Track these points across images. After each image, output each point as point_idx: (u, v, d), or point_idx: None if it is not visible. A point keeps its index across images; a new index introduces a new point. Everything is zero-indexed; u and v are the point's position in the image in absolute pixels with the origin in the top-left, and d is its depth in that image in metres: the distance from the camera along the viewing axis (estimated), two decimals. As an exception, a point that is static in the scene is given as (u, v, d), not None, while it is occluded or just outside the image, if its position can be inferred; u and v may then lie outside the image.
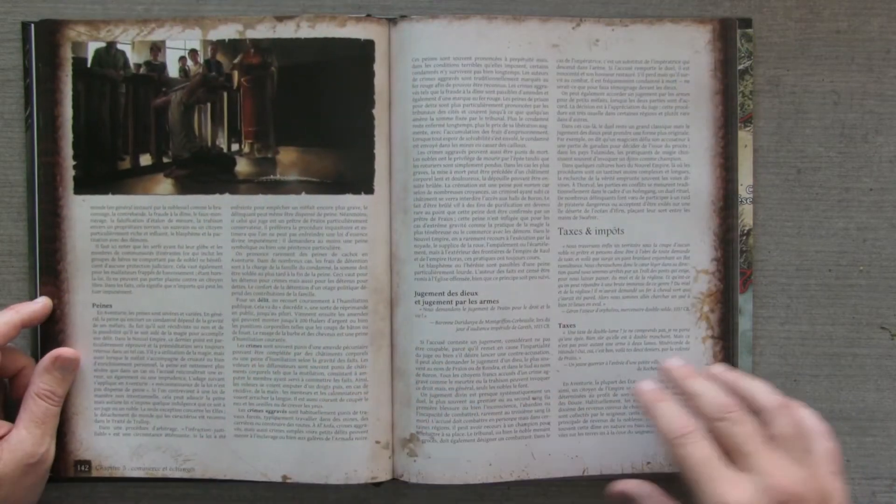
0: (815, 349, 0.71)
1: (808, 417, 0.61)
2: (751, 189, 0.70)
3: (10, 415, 0.66)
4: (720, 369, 0.65)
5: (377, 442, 0.67)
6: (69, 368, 0.66)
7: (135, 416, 0.68)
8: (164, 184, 0.68)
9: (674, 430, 0.60)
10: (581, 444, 0.69)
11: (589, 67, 0.68)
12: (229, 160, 0.68)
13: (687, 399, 0.62)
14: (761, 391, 0.62)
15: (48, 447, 0.64)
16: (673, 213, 0.69)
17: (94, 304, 0.68)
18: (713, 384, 0.63)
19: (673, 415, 0.61)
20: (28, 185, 0.68)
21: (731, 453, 0.59)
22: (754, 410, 0.61)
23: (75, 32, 0.67)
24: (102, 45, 0.68)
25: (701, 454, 0.59)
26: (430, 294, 0.67)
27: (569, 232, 0.68)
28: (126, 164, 0.68)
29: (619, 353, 0.69)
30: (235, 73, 0.68)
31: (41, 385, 0.65)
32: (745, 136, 0.70)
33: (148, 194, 0.68)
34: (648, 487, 0.65)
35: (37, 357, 0.67)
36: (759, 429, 0.60)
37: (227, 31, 0.67)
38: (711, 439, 0.60)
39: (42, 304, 0.67)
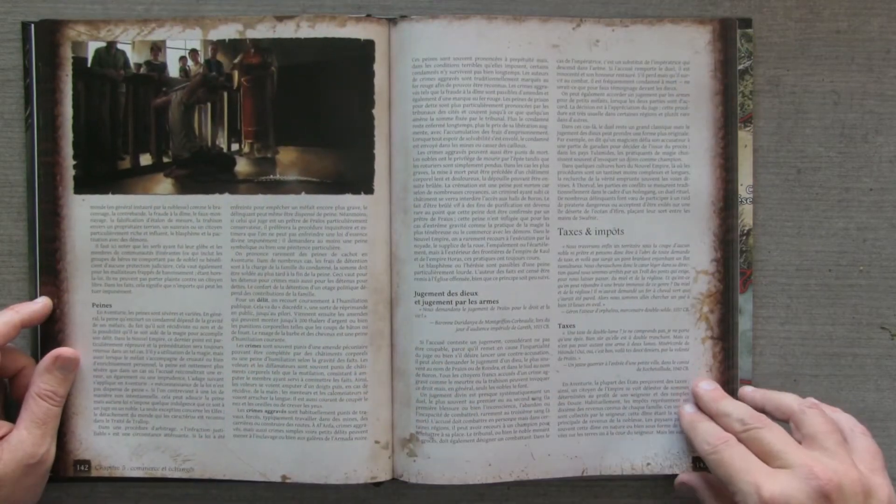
0: (815, 349, 0.71)
1: (842, 415, 0.63)
2: (751, 189, 0.70)
3: (11, 415, 0.67)
4: (749, 390, 0.67)
5: (377, 442, 0.67)
6: (69, 368, 0.66)
7: (134, 416, 0.68)
8: (164, 183, 0.68)
9: (711, 441, 0.63)
10: (581, 445, 0.69)
11: (589, 68, 0.68)
12: (229, 160, 0.68)
13: (718, 419, 0.65)
14: (791, 397, 0.64)
15: (48, 447, 0.64)
16: (673, 214, 0.69)
17: (93, 304, 0.68)
18: (741, 403, 0.65)
19: (709, 430, 0.64)
20: (28, 185, 0.68)
21: (764, 456, 0.60)
22: (785, 419, 0.63)
23: (75, 32, 0.67)
24: (102, 44, 0.68)
25: (736, 454, 0.61)
26: (430, 294, 0.67)
27: (568, 232, 0.68)
28: (126, 163, 0.68)
29: (619, 353, 0.69)
30: (235, 73, 0.68)
31: (42, 385, 0.64)
32: (745, 136, 0.70)
33: (148, 194, 0.68)
34: (703, 478, 0.68)
35: (37, 357, 0.67)
36: (790, 434, 0.62)
37: (228, 31, 0.67)
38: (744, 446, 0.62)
39: (42, 304, 0.67)
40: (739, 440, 0.62)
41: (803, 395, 0.70)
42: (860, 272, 0.71)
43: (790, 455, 0.59)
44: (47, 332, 0.68)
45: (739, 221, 0.69)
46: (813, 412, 0.62)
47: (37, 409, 0.64)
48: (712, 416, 0.66)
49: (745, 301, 0.70)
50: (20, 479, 0.62)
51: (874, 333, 0.71)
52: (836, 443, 0.60)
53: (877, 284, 0.71)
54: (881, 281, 0.71)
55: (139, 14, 0.69)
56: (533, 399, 0.68)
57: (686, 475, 0.69)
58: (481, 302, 0.67)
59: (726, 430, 0.63)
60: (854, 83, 0.70)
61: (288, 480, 0.67)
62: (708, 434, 0.64)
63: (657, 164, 0.69)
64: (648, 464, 0.69)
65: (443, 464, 0.67)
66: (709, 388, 0.68)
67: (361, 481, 0.67)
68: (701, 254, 0.69)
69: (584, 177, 0.68)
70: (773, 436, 0.61)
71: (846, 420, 0.63)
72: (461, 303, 0.67)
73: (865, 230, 0.71)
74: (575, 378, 0.69)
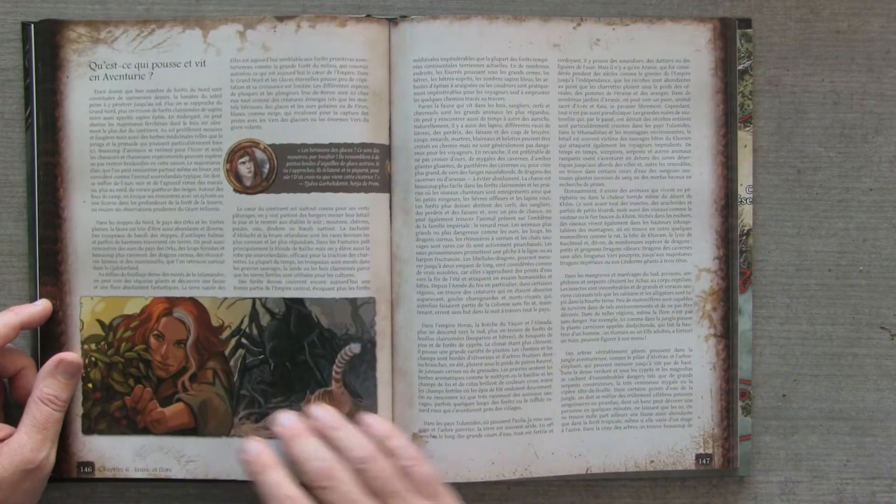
0: (815, 349, 0.71)
1: (400, 447, 0.61)
2: (750, 189, 0.70)
3: (11, 416, 0.66)
4: (322, 413, 0.64)
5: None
6: (72, 373, 0.65)
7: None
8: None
9: (319, 475, 0.60)
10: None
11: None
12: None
13: (333, 448, 0.62)
14: (353, 446, 0.61)
15: (48, 453, 0.63)
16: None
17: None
18: (310, 448, 0.62)
19: (279, 482, 0.61)
20: (28, 185, 0.68)
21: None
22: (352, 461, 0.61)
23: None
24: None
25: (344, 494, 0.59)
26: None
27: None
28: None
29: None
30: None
31: (44, 389, 0.64)
32: (744, 136, 0.70)
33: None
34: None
35: (36, 357, 0.67)
36: (358, 483, 0.60)
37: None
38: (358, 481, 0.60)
39: (42, 306, 0.67)
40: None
41: (803, 395, 0.70)
42: (860, 272, 0.71)
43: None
44: (48, 333, 0.68)
45: (739, 221, 0.70)
46: (371, 465, 0.60)
47: (38, 414, 0.63)
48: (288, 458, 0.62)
49: (744, 301, 0.70)
50: (18, 484, 0.61)
51: (874, 333, 0.71)
52: (403, 489, 0.60)
53: (877, 284, 0.71)
54: (881, 281, 0.71)
55: (139, 14, 0.69)
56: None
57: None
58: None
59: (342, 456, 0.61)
60: (854, 83, 0.71)
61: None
62: (274, 488, 0.60)
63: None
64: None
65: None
66: (288, 423, 0.63)
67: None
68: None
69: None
70: (342, 495, 0.59)
71: (404, 452, 0.61)
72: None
73: (865, 230, 0.71)
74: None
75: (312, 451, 0.61)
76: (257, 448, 0.63)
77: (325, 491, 0.59)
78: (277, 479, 0.61)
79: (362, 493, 0.60)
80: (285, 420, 0.63)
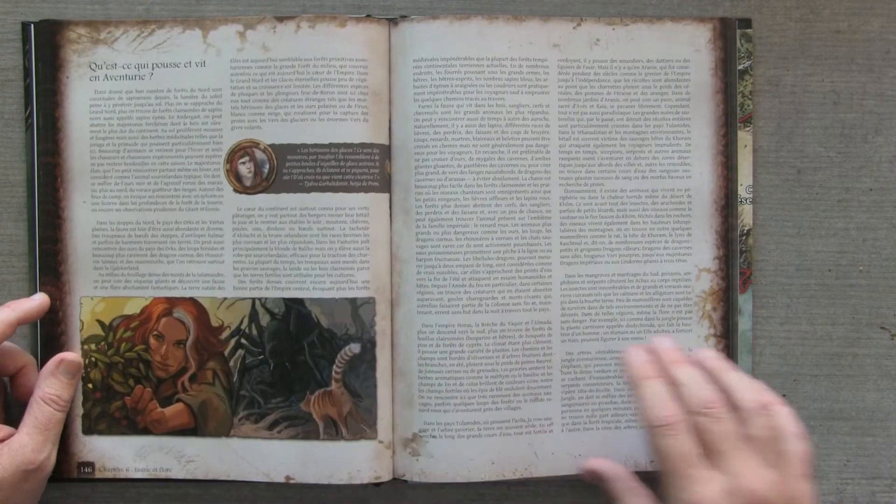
0: (815, 349, 0.71)
1: (784, 419, 0.58)
2: (750, 189, 0.70)
3: (11, 415, 0.66)
4: (710, 355, 0.63)
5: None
6: (73, 373, 0.65)
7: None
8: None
9: (658, 417, 0.59)
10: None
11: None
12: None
13: (671, 385, 0.60)
14: (742, 389, 0.60)
15: (49, 454, 0.63)
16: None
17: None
18: (699, 373, 0.61)
19: (659, 399, 0.60)
20: (28, 185, 0.68)
21: (707, 448, 0.58)
22: (735, 406, 0.59)
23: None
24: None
25: (680, 449, 0.58)
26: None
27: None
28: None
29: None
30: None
31: (46, 389, 0.64)
32: (744, 137, 0.70)
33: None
34: (619, 470, 0.65)
35: (37, 357, 0.67)
36: (738, 427, 0.58)
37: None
38: (691, 432, 0.58)
39: (39, 300, 0.66)
40: (689, 420, 0.58)
41: (803, 395, 0.70)
42: (860, 272, 0.71)
43: (730, 459, 0.57)
44: (49, 333, 0.68)
45: (739, 221, 0.70)
46: (760, 415, 0.58)
47: (40, 414, 0.63)
48: (666, 379, 0.61)
49: (744, 301, 0.70)
50: (18, 484, 0.61)
51: (874, 333, 0.71)
52: (774, 452, 0.57)
53: (877, 284, 0.71)
54: (881, 281, 0.71)
55: (139, 14, 0.69)
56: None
57: (595, 462, 0.65)
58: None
59: (678, 399, 0.59)
60: (854, 83, 0.71)
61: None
62: (658, 404, 0.59)
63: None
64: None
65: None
66: (668, 346, 0.63)
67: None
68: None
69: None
70: (721, 431, 0.58)
71: (784, 421, 0.58)
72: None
73: (865, 230, 0.71)
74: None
75: (693, 380, 0.60)
76: (640, 356, 0.62)
77: (705, 420, 0.58)
78: (659, 392, 0.59)
79: (738, 435, 0.58)
80: (666, 343, 0.63)
